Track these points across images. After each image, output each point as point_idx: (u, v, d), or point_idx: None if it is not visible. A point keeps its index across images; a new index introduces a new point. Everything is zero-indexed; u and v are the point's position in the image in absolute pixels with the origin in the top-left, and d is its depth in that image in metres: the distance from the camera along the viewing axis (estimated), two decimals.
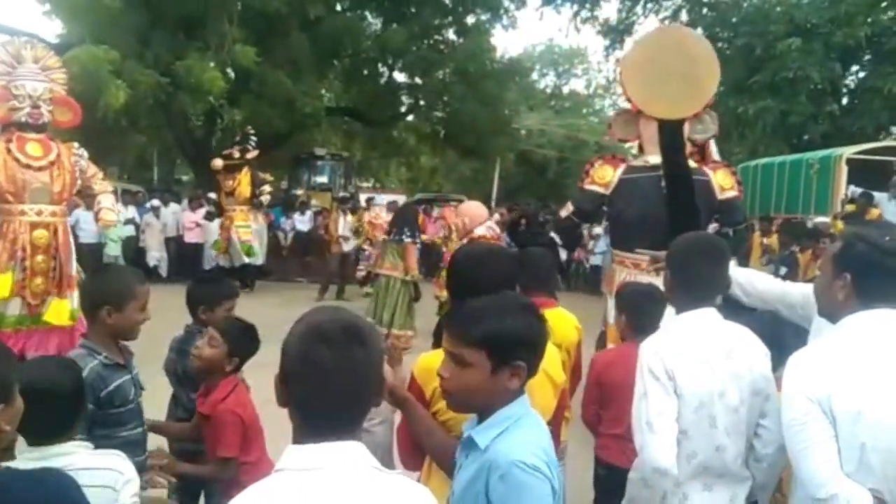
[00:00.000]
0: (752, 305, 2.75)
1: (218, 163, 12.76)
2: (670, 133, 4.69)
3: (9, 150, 6.28)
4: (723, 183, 5.08)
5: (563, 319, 3.20)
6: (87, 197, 8.94)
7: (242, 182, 12.69)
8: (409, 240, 8.62)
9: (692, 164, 5.03)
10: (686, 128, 4.94)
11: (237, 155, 12.74)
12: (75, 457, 1.92)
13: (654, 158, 4.96)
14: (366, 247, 12.07)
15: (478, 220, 6.76)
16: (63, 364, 2.14)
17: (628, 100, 5.14)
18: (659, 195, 4.82)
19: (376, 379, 1.44)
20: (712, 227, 5.63)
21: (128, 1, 12.09)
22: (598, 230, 13.35)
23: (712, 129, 5.21)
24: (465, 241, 7.39)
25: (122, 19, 11.86)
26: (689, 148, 5.01)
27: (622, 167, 5.18)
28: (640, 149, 5.36)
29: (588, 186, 5.22)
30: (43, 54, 6.64)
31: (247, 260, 12.65)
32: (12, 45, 6.51)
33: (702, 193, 4.87)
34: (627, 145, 7.88)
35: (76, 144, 6.70)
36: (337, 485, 1.31)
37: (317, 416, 1.37)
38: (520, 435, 1.69)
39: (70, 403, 1.98)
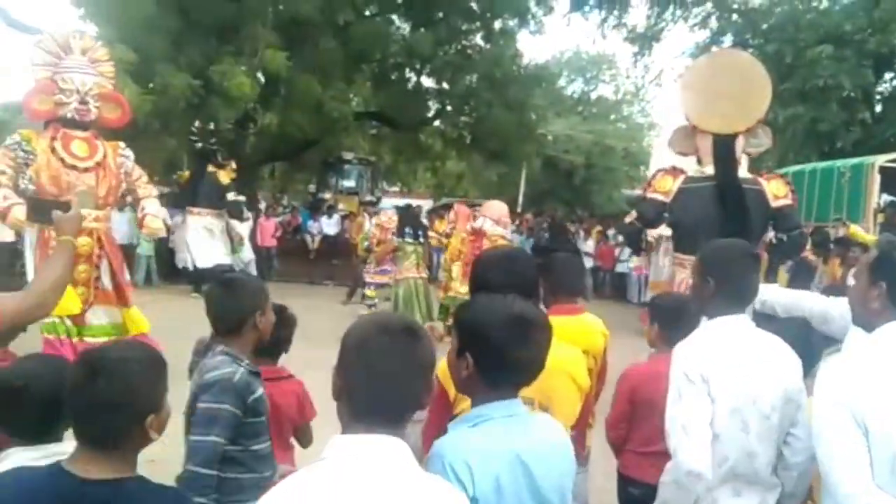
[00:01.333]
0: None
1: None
2: (723, 146, 5.24)
3: (53, 149, 5.79)
4: (776, 192, 5.46)
5: (589, 325, 3.19)
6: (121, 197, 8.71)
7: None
8: (424, 240, 9.40)
9: (748, 174, 5.47)
10: (741, 141, 5.37)
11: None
12: None
13: (711, 169, 5.41)
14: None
15: (488, 212, 7.15)
16: (46, 362, 2.11)
17: (686, 117, 5.64)
18: (713, 202, 5.27)
19: (428, 378, 1.49)
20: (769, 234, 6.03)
21: (163, 6, 12.27)
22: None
23: (766, 143, 5.65)
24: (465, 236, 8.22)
25: (157, 24, 12.03)
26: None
27: (681, 178, 5.61)
28: (699, 161, 5.75)
29: (650, 195, 5.70)
30: (90, 45, 6.14)
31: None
32: (60, 34, 6.03)
33: (755, 202, 5.30)
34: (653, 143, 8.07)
35: (122, 144, 6.25)
36: (374, 476, 1.34)
37: (366, 406, 1.42)
38: (474, 434, 1.70)
39: (50, 403, 1.90)
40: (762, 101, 5.41)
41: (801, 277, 9.18)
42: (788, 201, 5.48)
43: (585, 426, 2.47)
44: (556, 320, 2.97)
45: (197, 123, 12.78)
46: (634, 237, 6.46)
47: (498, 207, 8.03)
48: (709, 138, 5.39)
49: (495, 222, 7.63)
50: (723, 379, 2.19)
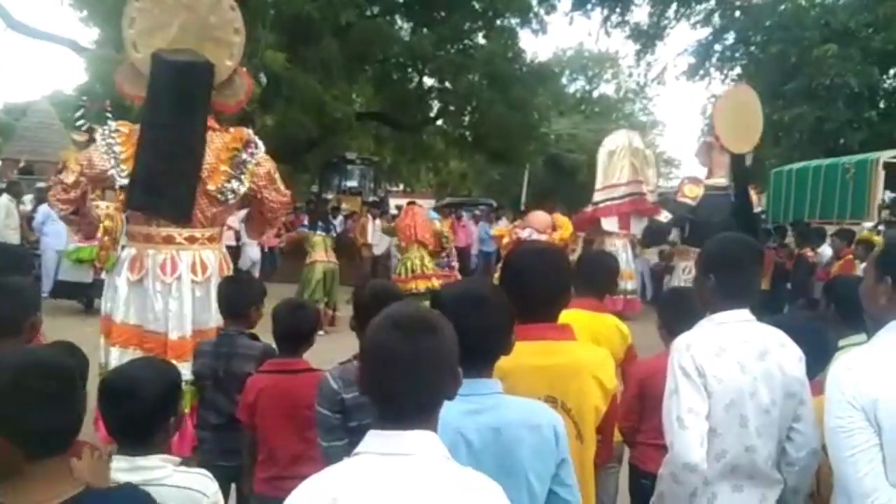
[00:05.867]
0: None
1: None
2: (740, 163, 6.85)
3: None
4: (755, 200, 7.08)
5: (605, 324, 3.23)
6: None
7: None
8: (332, 233, 10.46)
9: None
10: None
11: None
12: (162, 471, 1.88)
13: (719, 181, 6.93)
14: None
15: (533, 223, 8.34)
16: (154, 366, 2.11)
17: (716, 137, 7.27)
18: (729, 207, 6.70)
19: (452, 368, 1.49)
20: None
21: None
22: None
23: (748, 161, 7.20)
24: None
25: None
26: None
27: (702, 186, 7.17)
28: (709, 173, 7.34)
29: (681, 199, 7.26)
30: None
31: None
32: None
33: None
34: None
35: None
36: (415, 472, 1.37)
37: (393, 404, 1.43)
38: None
39: (152, 409, 1.92)
40: (758, 131, 7.05)
41: (801, 272, 9.53)
42: (760, 207, 7.03)
43: (613, 427, 2.43)
44: (569, 314, 3.01)
45: None
46: (661, 235, 8.18)
47: (542, 218, 8.43)
48: (726, 156, 6.97)
49: (540, 233, 8.05)
50: (719, 373, 2.17)
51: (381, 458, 1.38)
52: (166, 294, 4.32)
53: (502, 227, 12.17)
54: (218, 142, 4.46)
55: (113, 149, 4.39)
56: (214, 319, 4.14)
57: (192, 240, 4.43)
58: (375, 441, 1.41)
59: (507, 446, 1.77)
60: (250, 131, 4.70)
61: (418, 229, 9.93)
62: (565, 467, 1.86)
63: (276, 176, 4.67)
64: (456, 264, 10.75)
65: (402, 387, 1.41)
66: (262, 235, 5.08)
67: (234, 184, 4.43)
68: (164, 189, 4.29)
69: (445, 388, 1.49)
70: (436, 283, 9.67)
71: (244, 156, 4.47)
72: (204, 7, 4.51)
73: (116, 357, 4.20)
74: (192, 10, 4.49)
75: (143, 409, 1.89)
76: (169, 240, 4.39)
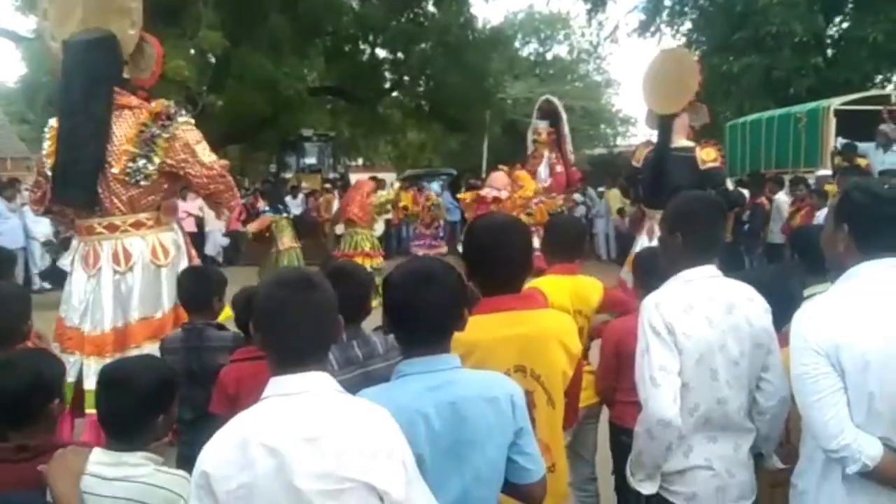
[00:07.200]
0: None
1: None
2: (663, 122, 6.88)
3: None
4: (705, 157, 6.73)
5: (582, 285, 3.26)
6: None
7: None
8: (288, 214, 10.51)
9: (688, 143, 6.85)
10: (686, 118, 6.90)
11: None
12: (144, 469, 1.90)
13: (681, 143, 6.80)
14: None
15: (495, 183, 8.57)
16: (148, 363, 2.11)
17: (645, 102, 7.26)
18: (679, 170, 6.62)
19: (333, 316, 1.69)
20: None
21: None
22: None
23: (705, 119, 7.16)
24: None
25: None
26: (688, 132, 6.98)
27: (650, 148, 7.13)
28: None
29: (633, 163, 7.43)
30: None
31: None
32: None
33: (685, 164, 6.70)
34: None
35: None
36: (313, 405, 1.57)
37: (287, 353, 1.63)
38: (390, 388, 1.84)
39: (140, 405, 1.94)
40: (691, 88, 6.88)
41: (756, 221, 10.03)
42: (717, 164, 6.80)
43: (579, 390, 2.47)
44: (550, 280, 3.11)
45: None
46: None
47: (501, 177, 8.76)
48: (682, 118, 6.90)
49: (500, 191, 8.36)
50: (688, 329, 2.21)
51: (283, 398, 1.58)
52: (88, 286, 4.15)
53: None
54: (131, 120, 4.18)
55: (44, 145, 4.31)
56: (139, 311, 4.07)
57: (112, 228, 4.18)
58: (277, 385, 1.60)
59: (465, 420, 1.78)
60: (169, 103, 4.35)
61: (351, 205, 9.85)
62: (524, 436, 1.87)
63: (199, 147, 4.27)
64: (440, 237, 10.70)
65: (295, 337, 1.61)
66: (221, 216, 4.89)
67: (141, 162, 4.11)
68: (75, 178, 4.12)
69: (331, 332, 1.69)
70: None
71: (154, 129, 4.14)
72: None
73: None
74: None
75: (128, 403, 1.92)
76: (90, 230, 4.19)
